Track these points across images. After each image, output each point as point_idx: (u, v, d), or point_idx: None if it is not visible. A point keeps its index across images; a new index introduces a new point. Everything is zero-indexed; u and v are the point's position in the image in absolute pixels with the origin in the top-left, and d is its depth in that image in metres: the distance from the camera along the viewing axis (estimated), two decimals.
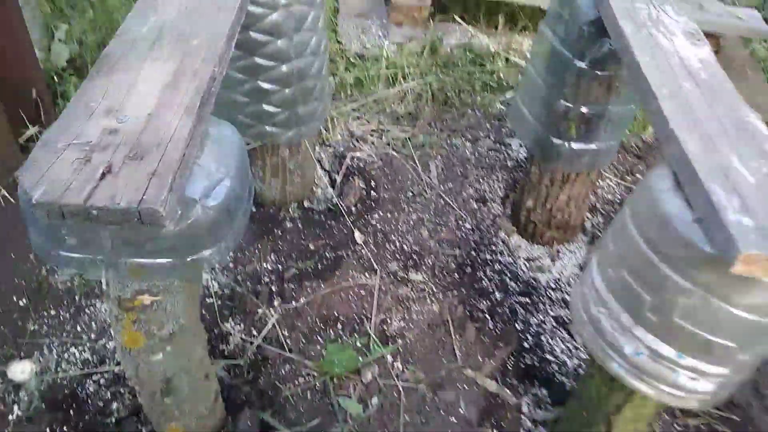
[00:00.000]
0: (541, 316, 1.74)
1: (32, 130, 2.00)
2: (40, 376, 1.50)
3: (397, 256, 1.86)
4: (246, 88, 1.64)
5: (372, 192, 2.02)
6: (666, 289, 0.99)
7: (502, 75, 2.49)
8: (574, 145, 1.70)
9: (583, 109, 1.63)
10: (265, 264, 1.78)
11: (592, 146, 1.71)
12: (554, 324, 1.73)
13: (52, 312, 1.63)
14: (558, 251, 1.95)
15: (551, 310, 1.76)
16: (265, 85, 1.64)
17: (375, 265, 1.81)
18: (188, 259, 1.00)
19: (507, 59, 2.55)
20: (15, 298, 1.65)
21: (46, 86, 2.06)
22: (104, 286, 1.08)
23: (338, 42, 2.57)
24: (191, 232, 0.96)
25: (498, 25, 2.74)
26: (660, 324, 1.02)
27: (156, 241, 0.94)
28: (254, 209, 1.95)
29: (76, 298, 1.67)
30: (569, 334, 1.70)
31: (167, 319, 1.14)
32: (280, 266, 1.78)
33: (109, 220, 0.83)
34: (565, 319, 1.74)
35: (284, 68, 1.61)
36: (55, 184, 0.83)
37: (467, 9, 2.84)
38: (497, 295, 1.79)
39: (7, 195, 1.88)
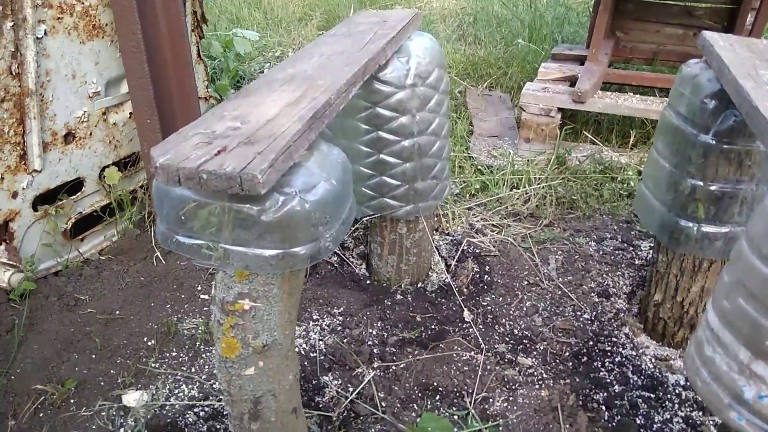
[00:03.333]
0: (667, 414, 1.53)
1: None
2: (150, 405, 1.59)
3: (506, 338, 1.78)
4: (370, 160, 1.79)
5: (485, 276, 2.00)
6: None
7: (632, 184, 2.44)
8: (705, 228, 1.59)
9: (712, 187, 1.55)
10: (371, 330, 1.79)
11: (726, 230, 1.59)
12: (683, 425, 1.50)
13: (174, 353, 1.76)
14: None
15: (681, 409, 1.54)
16: (388, 158, 1.78)
17: (482, 343, 1.75)
18: (286, 251, 1.07)
19: (639, 171, 2.51)
20: (145, 339, 1.80)
21: None
22: (214, 271, 1.18)
23: (469, 156, 2.72)
24: (289, 222, 1.04)
25: (629, 143, 2.74)
26: None
27: (258, 226, 1.03)
28: (368, 282, 2.01)
29: (197, 343, 1.78)
30: None
31: (263, 328, 1.20)
32: (385, 333, 1.78)
33: (215, 185, 0.94)
34: (698, 421, 1.51)
35: (406, 143, 1.75)
36: (177, 155, 0.97)
37: (599, 131, 2.89)
38: (616, 387, 1.61)
39: (161, 256, 2.14)
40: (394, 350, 1.71)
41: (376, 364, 1.67)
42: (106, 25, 2.03)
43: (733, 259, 1.03)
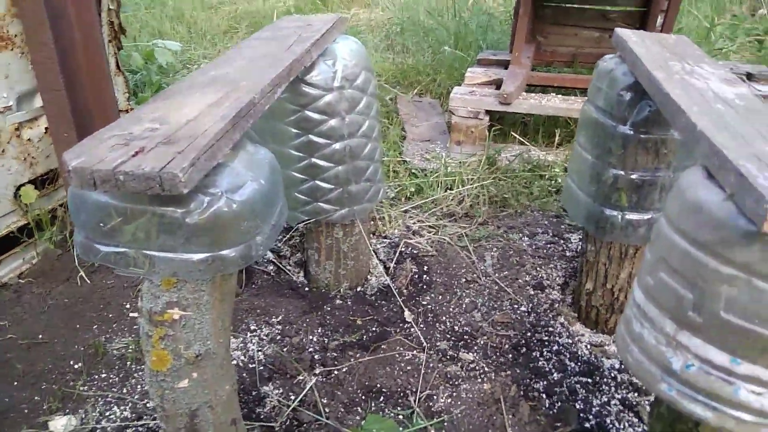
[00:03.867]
0: (604, 398, 1.57)
1: None
2: (79, 429, 1.50)
3: (447, 335, 1.79)
4: (302, 165, 1.77)
5: (424, 276, 2.01)
6: (707, 281, 0.90)
7: (559, 180, 2.52)
8: (629, 216, 1.66)
9: (633, 176, 1.62)
10: (311, 336, 1.76)
11: (648, 216, 1.66)
12: (621, 407, 1.54)
13: (103, 375, 1.67)
14: None
15: (617, 392, 1.59)
16: (319, 162, 1.76)
17: (423, 341, 1.75)
18: (215, 254, 1.04)
19: (566, 168, 2.60)
20: (71, 362, 1.70)
21: None
22: (141, 278, 1.13)
23: (403, 161, 2.74)
24: (216, 223, 1.01)
25: (555, 142, 2.83)
26: (706, 324, 0.91)
27: (183, 229, 0.99)
28: (306, 289, 1.98)
29: (128, 363, 1.70)
30: (638, 417, 1.51)
31: (195, 337, 1.15)
32: (325, 338, 1.75)
33: (133, 186, 0.90)
34: (634, 402, 1.56)
35: (337, 146, 1.74)
36: (91, 158, 0.92)
37: (526, 132, 2.97)
38: (555, 375, 1.64)
39: (85, 276, 2.03)
40: (336, 355, 1.68)
41: (317, 370, 1.64)
42: (15, 36, 1.93)
43: (653, 237, 1.07)
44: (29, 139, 2.04)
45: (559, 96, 2.78)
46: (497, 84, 2.93)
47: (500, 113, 2.86)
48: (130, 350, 1.74)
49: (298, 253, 2.14)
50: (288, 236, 2.21)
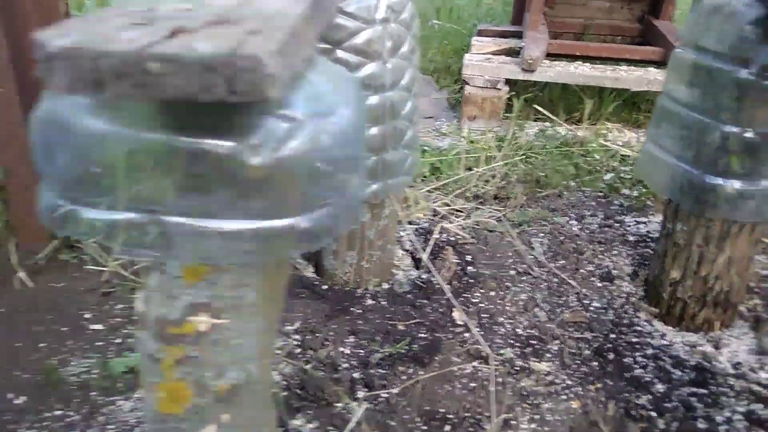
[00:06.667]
0: (727, 413, 1.24)
1: None
2: None
3: (511, 340, 1.42)
4: None
5: (468, 267, 1.63)
6: None
7: (597, 157, 2.20)
8: (737, 184, 1.34)
9: (748, 134, 1.30)
10: (342, 348, 1.35)
11: (762, 185, 1.34)
12: (747, 422, 1.22)
13: (57, 412, 1.21)
14: (718, 339, 1.48)
15: (738, 404, 1.26)
16: None
17: (485, 349, 1.37)
18: (279, 222, 0.63)
19: (603, 145, 2.28)
20: (11, 396, 1.24)
21: None
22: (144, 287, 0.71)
23: None
24: (286, 174, 0.60)
25: (578, 118, 2.52)
26: None
27: (238, 179, 0.58)
28: (324, 287, 1.56)
29: (91, 394, 1.25)
30: None
31: (231, 359, 0.74)
32: (362, 350, 1.35)
33: (177, 84, 0.48)
34: (762, 416, 1.23)
35: (375, 100, 1.34)
36: (93, 36, 0.50)
37: (544, 106, 2.65)
38: (659, 386, 1.30)
39: (25, 278, 1.55)
40: (382, 372, 1.28)
41: (360, 394, 1.23)
42: None
43: None
44: None
45: (587, 63, 2.47)
46: (509, 53, 2.60)
47: (517, 83, 2.52)
48: (94, 375, 1.29)
49: None
50: None
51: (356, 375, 1.27)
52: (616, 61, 2.71)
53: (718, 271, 1.45)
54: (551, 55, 2.59)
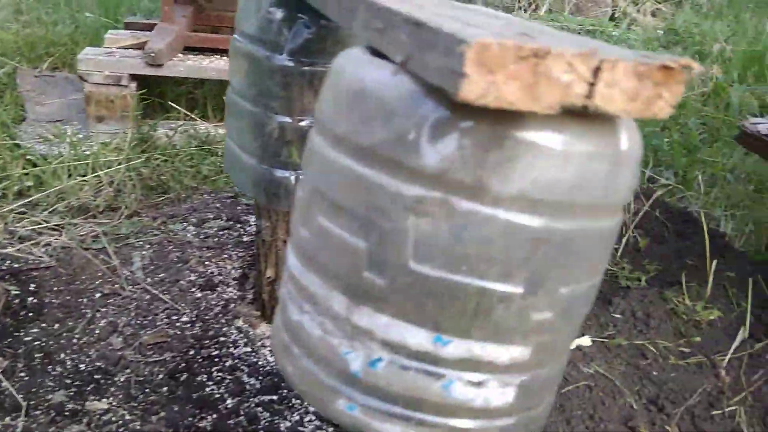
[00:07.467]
0: (296, 416, 1.16)
1: None
2: None
3: (67, 380, 1.19)
4: None
5: (30, 298, 1.36)
6: (384, 214, 0.51)
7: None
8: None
9: (303, 123, 1.23)
10: None
11: None
12: (317, 423, 1.15)
13: None
14: None
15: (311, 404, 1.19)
16: None
17: (22, 402, 1.11)
18: None
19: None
20: None
21: None
22: None
23: (16, 146, 1.98)
24: None
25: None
26: (392, 287, 0.53)
27: None
28: None
29: None
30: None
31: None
32: None
33: None
34: None
35: None
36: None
37: (194, 107, 2.46)
38: (228, 402, 1.18)
39: None
40: None
41: None
42: None
43: (304, 163, 0.67)
44: None
45: (225, 58, 2.33)
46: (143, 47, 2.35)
47: (153, 79, 2.29)
48: None
49: None
50: None
51: None
52: None
53: None
54: (195, 50, 2.42)
